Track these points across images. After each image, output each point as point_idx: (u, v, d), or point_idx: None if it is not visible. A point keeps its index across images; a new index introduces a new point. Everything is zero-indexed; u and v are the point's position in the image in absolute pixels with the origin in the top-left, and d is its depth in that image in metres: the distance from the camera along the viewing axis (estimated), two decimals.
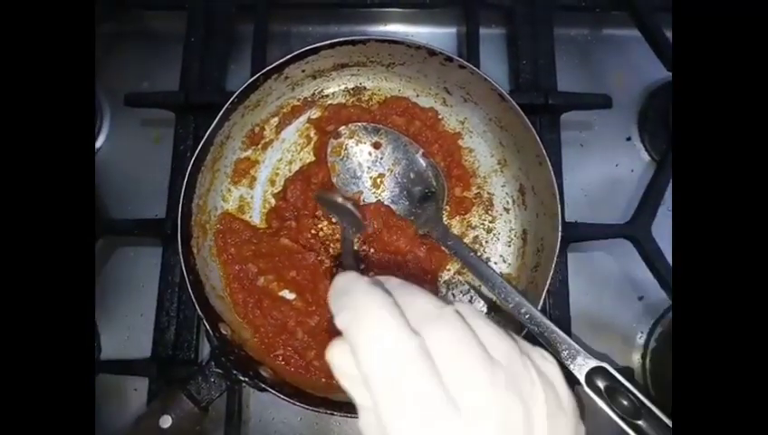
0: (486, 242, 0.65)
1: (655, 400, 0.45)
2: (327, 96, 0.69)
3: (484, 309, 0.63)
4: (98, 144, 0.72)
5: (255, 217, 0.65)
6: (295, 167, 0.66)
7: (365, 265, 0.62)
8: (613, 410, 0.45)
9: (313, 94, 0.68)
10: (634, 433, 0.44)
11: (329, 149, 0.64)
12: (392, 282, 0.35)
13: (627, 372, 0.62)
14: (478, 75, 0.61)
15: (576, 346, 0.49)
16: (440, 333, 0.32)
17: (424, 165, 0.64)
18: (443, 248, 0.62)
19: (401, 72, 0.68)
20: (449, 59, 0.62)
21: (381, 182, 0.65)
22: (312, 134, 0.67)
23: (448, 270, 0.64)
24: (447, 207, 0.65)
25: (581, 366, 0.48)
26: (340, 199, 0.56)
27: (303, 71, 0.65)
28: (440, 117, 0.68)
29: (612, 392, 0.46)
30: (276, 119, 0.67)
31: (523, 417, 0.31)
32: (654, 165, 0.71)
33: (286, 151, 0.67)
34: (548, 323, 0.51)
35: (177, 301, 0.64)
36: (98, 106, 0.73)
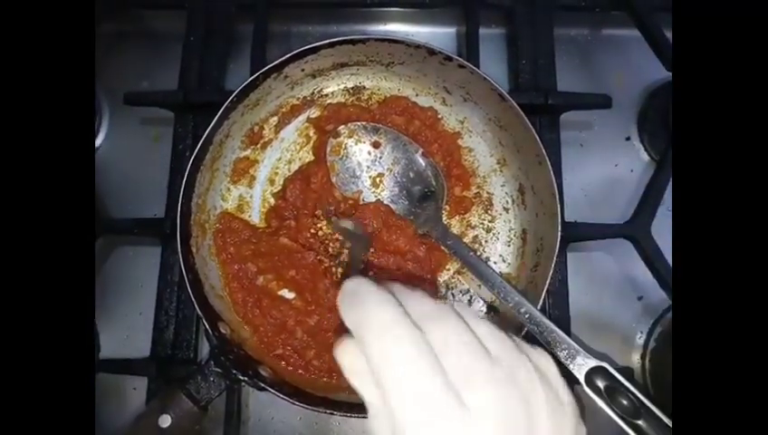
0: (486, 242, 0.65)
1: (654, 400, 0.45)
2: (326, 95, 0.69)
3: (484, 309, 0.63)
4: (97, 143, 0.72)
5: (255, 217, 0.65)
6: (294, 166, 0.66)
7: (364, 266, 0.62)
8: (613, 410, 0.45)
9: (313, 93, 0.68)
10: (634, 433, 0.44)
11: (328, 149, 0.64)
12: (395, 287, 0.37)
13: (626, 372, 0.62)
14: (478, 75, 0.61)
15: (576, 346, 0.49)
16: (442, 329, 0.33)
17: (423, 164, 0.64)
18: (442, 248, 0.62)
19: (401, 72, 0.68)
20: (449, 58, 0.62)
21: (381, 181, 0.64)
22: (311, 133, 0.67)
23: (448, 270, 0.64)
24: (447, 207, 0.65)
25: (581, 366, 0.48)
26: (353, 227, 0.59)
27: (303, 70, 0.65)
28: (440, 116, 0.68)
29: (612, 392, 0.46)
30: (276, 118, 0.67)
31: (525, 414, 0.32)
32: (653, 165, 0.71)
33: (285, 151, 0.67)
34: (547, 322, 0.51)
35: (177, 300, 0.64)
36: (97, 105, 0.73)
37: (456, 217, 0.66)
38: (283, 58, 0.61)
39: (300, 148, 0.67)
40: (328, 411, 0.53)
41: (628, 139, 0.74)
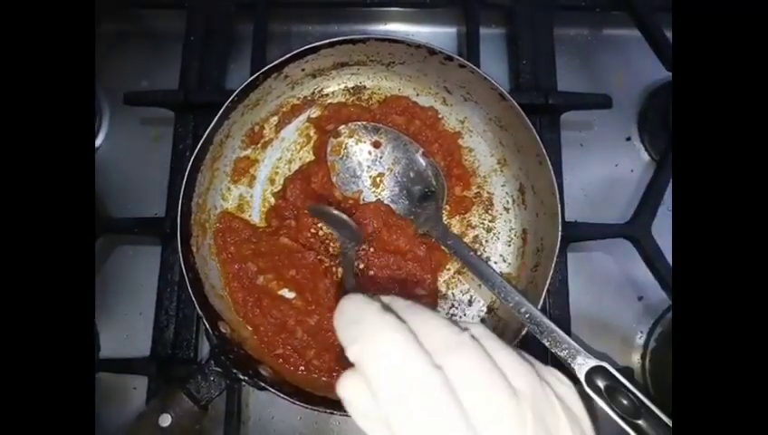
0: (486, 241, 0.65)
1: (655, 400, 0.45)
2: (327, 95, 0.69)
3: (484, 309, 0.63)
4: (97, 143, 0.72)
5: (255, 216, 0.65)
6: (295, 166, 0.66)
7: (364, 265, 0.62)
8: (613, 410, 0.45)
9: (313, 93, 0.68)
10: (634, 433, 0.44)
11: (328, 148, 0.64)
12: (399, 303, 0.33)
13: (627, 372, 0.62)
14: (478, 75, 0.61)
15: (576, 346, 0.49)
16: (462, 364, 0.30)
17: (424, 164, 0.64)
18: (443, 248, 0.62)
19: (401, 72, 0.68)
20: (449, 58, 0.62)
21: (381, 181, 0.64)
22: (311, 133, 0.67)
23: (448, 269, 0.64)
24: (447, 207, 0.65)
25: (581, 366, 0.48)
26: (334, 211, 0.57)
27: (303, 70, 0.65)
28: (440, 116, 0.68)
29: (612, 392, 0.46)
30: (276, 118, 0.67)
31: None
32: (654, 165, 0.71)
33: (286, 150, 0.67)
34: (548, 322, 0.51)
35: (177, 300, 0.64)
36: (97, 105, 0.73)
37: (457, 217, 0.66)
38: (284, 58, 0.61)
39: (300, 147, 0.67)
40: (328, 411, 0.53)
41: (628, 139, 0.74)
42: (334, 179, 0.64)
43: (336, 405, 0.54)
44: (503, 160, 0.67)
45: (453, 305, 0.63)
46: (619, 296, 0.68)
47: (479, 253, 0.65)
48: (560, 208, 0.58)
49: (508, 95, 0.60)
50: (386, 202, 0.64)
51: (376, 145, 0.65)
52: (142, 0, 0.78)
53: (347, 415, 0.53)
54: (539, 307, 0.54)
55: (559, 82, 0.71)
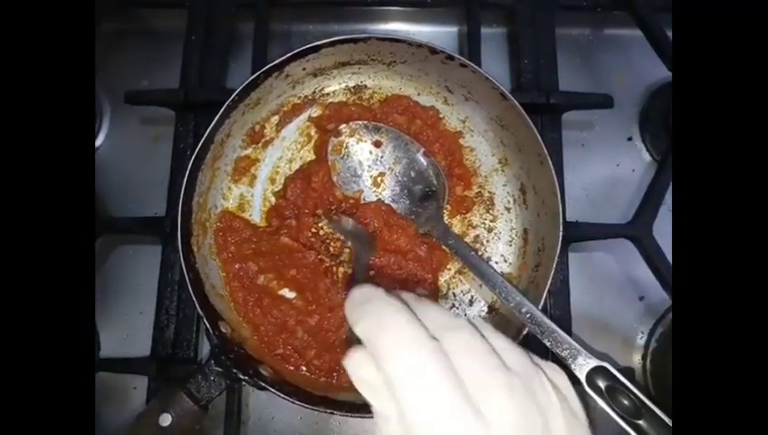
0: (487, 241, 0.65)
1: (655, 400, 0.44)
2: (328, 94, 0.69)
3: (485, 308, 0.63)
4: (98, 142, 0.72)
5: (255, 216, 0.65)
6: (296, 165, 0.66)
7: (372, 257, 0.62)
8: (614, 410, 0.45)
9: (314, 92, 0.68)
10: (634, 433, 0.44)
11: (329, 148, 0.64)
12: (404, 295, 0.36)
13: (627, 372, 0.62)
14: (479, 74, 0.61)
15: (577, 346, 0.49)
16: (458, 340, 0.33)
17: (425, 164, 0.64)
18: (444, 247, 0.61)
19: (402, 71, 0.67)
20: (450, 57, 0.62)
21: (382, 181, 0.64)
22: (312, 132, 0.67)
23: (449, 269, 0.64)
24: (448, 207, 0.65)
25: (582, 366, 0.48)
26: (352, 226, 0.58)
27: (304, 69, 0.64)
28: (441, 116, 0.68)
29: (613, 392, 0.46)
30: (277, 117, 0.67)
31: (543, 425, 0.31)
32: (655, 165, 0.71)
33: (287, 150, 0.67)
34: (549, 322, 0.51)
35: (177, 299, 0.64)
36: (98, 104, 0.73)
37: (458, 217, 0.65)
38: (285, 57, 0.60)
39: (301, 147, 0.67)
40: (328, 411, 0.53)
41: (629, 139, 0.74)
42: (335, 179, 0.64)
43: (336, 405, 0.54)
44: (504, 160, 0.67)
45: (454, 305, 0.63)
46: (620, 296, 0.68)
47: (480, 253, 0.64)
48: (561, 208, 0.58)
49: (509, 95, 0.60)
50: (387, 202, 0.64)
51: (377, 144, 0.65)
52: None
53: (347, 415, 0.54)
54: (540, 307, 0.54)
55: (560, 82, 0.71)
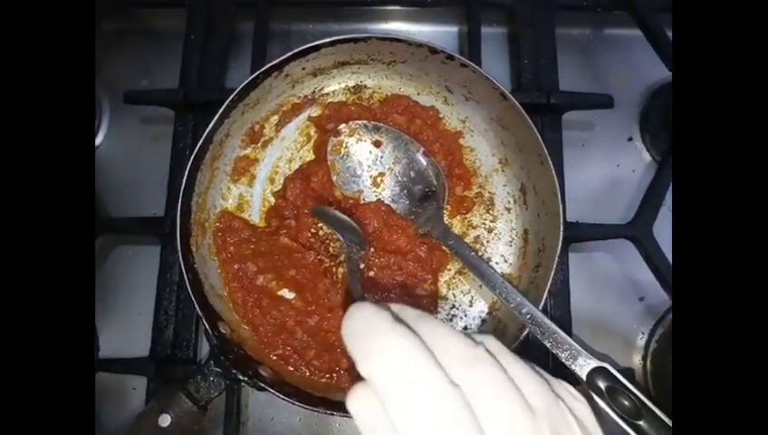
0: (487, 242, 0.65)
1: (656, 401, 0.44)
2: (327, 94, 0.68)
3: (486, 309, 0.63)
4: (97, 142, 0.72)
5: (255, 216, 0.65)
6: (295, 165, 0.66)
7: (365, 266, 0.62)
8: (614, 411, 0.45)
9: (314, 92, 0.68)
10: (635, 434, 0.44)
11: (329, 148, 0.64)
12: (408, 313, 0.32)
13: (628, 373, 0.62)
14: (480, 74, 0.61)
15: (577, 347, 0.49)
16: (478, 380, 0.29)
17: (425, 164, 0.64)
18: (444, 248, 0.61)
19: (402, 71, 0.67)
20: (451, 57, 0.61)
21: (382, 181, 0.64)
22: (312, 132, 0.67)
23: (449, 270, 0.64)
24: (448, 207, 0.65)
25: (583, 367, 0.47)
26: (338, 214, 0.57)
27: (304, 68, 0.64)
28: (441, 116, 0.68)
29: (613, 393, 0.46)
30: (276, 117, 0.67)
31: None
32: (655, 165, 0.71)
33: (286, 149, 0.67)
34: (549, 323, 0.51)
35: (176, 300, 0.63)
36: (97, 104, 0.73)
37: (458, 217, 0.65)
38: (284, 56, 0.60)
39: (300, 146, 0.67)
40: (328, 412, 0.53)
41: (630, 139, 0.73)
42: (335, 179, 0.64)
43: (336, 406, 0.53)
44: (504, 160, 0.67)
45: (454, 306, 0.63)
46: (620, 297, 0.68)
47: (480, 253, 0.64)
48: (561, 209, 0.58)
49: (509, 95, 0.60)
50: (386, 202, 0.64)
51: (377, 144, 0.64)
52: None
53: (347, 416, 0.54)
54: (540, 308, 0.54)
55: (560, 82, 0.71)
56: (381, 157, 0.64)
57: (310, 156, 0.66)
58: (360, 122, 0.64)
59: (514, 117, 0.61)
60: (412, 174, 0.64)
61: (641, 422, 0.44)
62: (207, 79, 0.70)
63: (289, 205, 0.63)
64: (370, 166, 0.64)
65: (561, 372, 0.51)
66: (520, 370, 0.31)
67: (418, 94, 0.68)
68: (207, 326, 0.55)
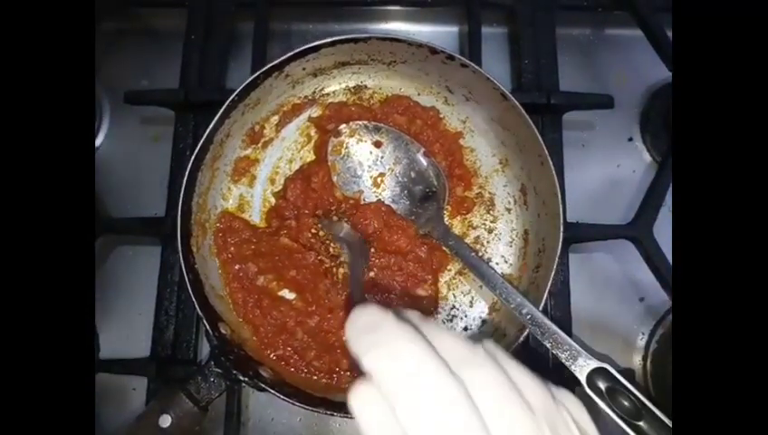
0: (488, 242, 0.65)
1: (656, 401, 0.44)
2: (328, 94, 0.68)
3: (486, 310, 0.63)
4: (97, 142, 0.72)
5: (255, 216, 0.65)
6: (295, 165, 0.66)
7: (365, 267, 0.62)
8: (614, 411, 0.45)
9: (314, 92, 0.68)
10: (635, 434, 0.44)
11: (329, 148, 0.64)
12: (411, 315, 0.33)
13: (628, 373, 0.62)
14: (480, 74, 0.61)
15: (577, 347, 0.49)
16: (479, 377, 0.30)
17: (425, 164, 0.64)
18: (444, 248, 0.61)
19: (403, 71, 0.67)
20: (451, 57, 0.61)
21: (382, 181, 0.64)
22: (312, 133, 0.67)
23: (449, 270, 0.64)
24: (448, 207, 0.65)
25: (583, 367, 0.48)
26: (344, 231, 0.58)
27: (304, 69, 0.64)
28: (441, 116, 0.68)
29: (613, 393, 0.46)
30: (276, 117, 0.67)
31: None
32: (656, 166, 0.71)
33: (286, 150, 0.67)
34: (549, 323, 0.51)
35: (177, 300, 0.63)
36: (97, 104, 0.73)
37: (458, 218, 0.65)
38: (285, 57, 0.60)
39: (301, 147, 0.67)
40: (328, 412, 0.53)
41: (630, 139, 0.73)
42: (335, 179, 0.64)
43: (336, 406, 0.53)
44: (504, 161, 0.67)
45: (454, 307, 0.63)
46: (620, 298, 0.68)
47: (480, 254, 0.64)
48: (561, 209, 0.58)
49: (510, 95, 0.60)
50: (387, 202, 0.64)
51: (377, 145, 0.64)
52: None
53: (347, 417, 0.54)
54: (540, 308, 0.54)
55: (561, 82, 0.71)
56: (382, 157, 0.64)
57: (310, 156, 0.66)
58: (360, 123, 0.64)
59: (515, 117, 0.61)
60: (412, 174, 0.64)
61: (641, 423, 0.44)
62: (208, 79, 0.70)
63: (289, 205, 0.63)
64: (371, 166, 0.64)
65: (561, 372, 0.51)
66: (518, 372, 0.32)
67: (419, 95, 0.68)
68: (208, 327, 0.55)
